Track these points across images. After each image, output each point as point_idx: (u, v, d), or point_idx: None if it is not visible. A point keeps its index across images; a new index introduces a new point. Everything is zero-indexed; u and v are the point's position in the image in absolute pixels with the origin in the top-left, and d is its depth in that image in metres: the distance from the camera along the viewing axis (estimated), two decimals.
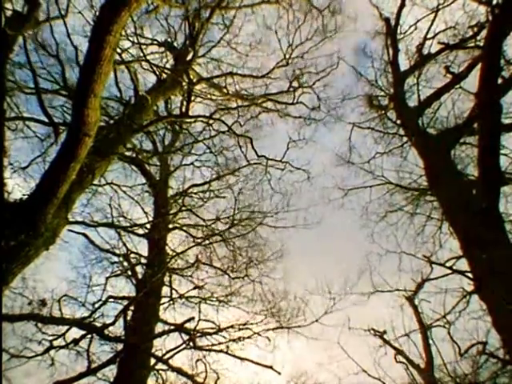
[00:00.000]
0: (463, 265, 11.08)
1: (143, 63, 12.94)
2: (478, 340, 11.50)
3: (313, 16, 14.72)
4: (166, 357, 11.98)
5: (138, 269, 13.56)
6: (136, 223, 13.87)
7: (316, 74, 15.45)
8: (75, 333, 11.03)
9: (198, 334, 12.55)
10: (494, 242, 8.30)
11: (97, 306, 11.73)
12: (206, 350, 12.64)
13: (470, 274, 10.73)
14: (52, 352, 11.01)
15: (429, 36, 13.80)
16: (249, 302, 13.93)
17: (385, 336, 14.53)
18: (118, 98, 12.94)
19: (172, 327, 12.63)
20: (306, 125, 15.89)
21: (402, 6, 14.11)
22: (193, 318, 12.46)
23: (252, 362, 12.72)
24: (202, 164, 15.66)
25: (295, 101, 15.43)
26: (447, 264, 12.59)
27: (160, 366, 12.14)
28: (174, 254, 14.11)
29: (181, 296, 13.59)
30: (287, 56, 14.77)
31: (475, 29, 12.76)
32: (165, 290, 13.61)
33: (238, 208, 15.10)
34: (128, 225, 13.70)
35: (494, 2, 11.08)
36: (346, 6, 14.76)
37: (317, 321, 13.23)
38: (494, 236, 8.39)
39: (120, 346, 11.55)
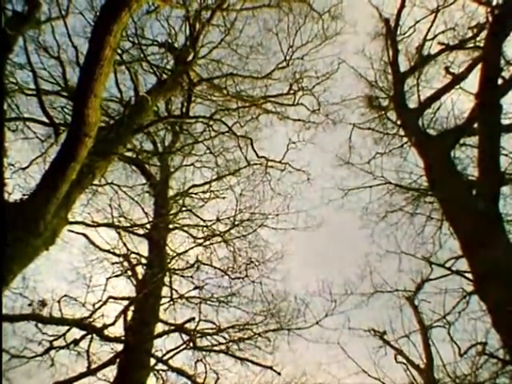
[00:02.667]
0: (463, 265, 11.12)
1: (143, 64, 12.97)
2: (478, 340, 11.52)
3: (313, 19, 14.75)
4: (166, 357, 11.98)
5: (139, 269, 13.58)
6: (136, 223, 13.89)
7: (316, 78, 15.48)
8: (75, 333, 11.06)
9: (198, 335, 12.54)
10: (493, 242, 8.31)
11: (97, 306, 11.72)
12: (206, 351, 12.64)
13: (469, 275, 10.76)
14: (52, 352, 11.01)
15: (429, 37, 13.82)
16: (249, 303, 13.94)
17: (385, 336, 14.55)
18: (118, 99, 12.97)
19: (172, 327, 12.62)
20: (306, 129, 15.95)
21: (402, 7, 14.13)
22: (193, 319, 12.45)
23: (252, 362, 12.73)
24: (203, 165, 15.69)
25: (295, 103, 15.47)
26: (447, 264, 12.61)
27: (160, 366, 12.14)
28: (175, 254, 14.12)
29: (181, 296, 13.60)
30: (287, 57, 14.80)
31: (475, 30, 12.80)
32: (165, 291, 13.62)
33: (238, 209, 15.13)
34: (128, 225, 13.71)
35: (494, 2, 11.11)
36: (346, 6, 14.77)
37: (317, 323, 13.23)
38: (494, 236, 8.40)
39: (120, 347, 11.56)
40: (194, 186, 15.51)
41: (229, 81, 14.55)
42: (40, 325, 10.75)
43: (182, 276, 14.15)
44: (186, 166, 15.74)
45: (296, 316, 13.56)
